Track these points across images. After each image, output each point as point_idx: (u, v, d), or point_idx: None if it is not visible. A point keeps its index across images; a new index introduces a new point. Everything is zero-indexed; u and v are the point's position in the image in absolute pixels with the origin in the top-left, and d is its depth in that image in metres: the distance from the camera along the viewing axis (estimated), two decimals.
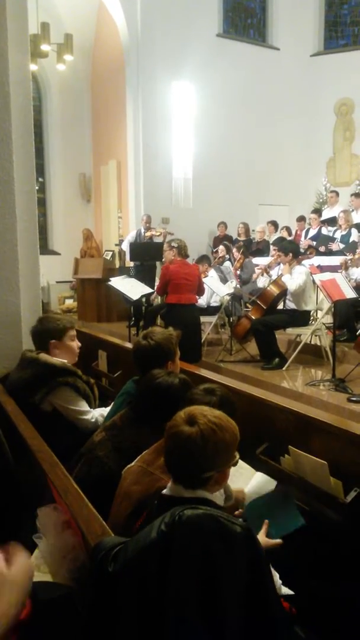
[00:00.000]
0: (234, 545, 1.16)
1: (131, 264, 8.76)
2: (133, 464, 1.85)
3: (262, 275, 7.11)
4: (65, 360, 2.74)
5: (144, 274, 7.94)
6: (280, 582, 1.63)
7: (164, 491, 1.44)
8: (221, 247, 8.84)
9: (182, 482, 1.39)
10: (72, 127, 12.61)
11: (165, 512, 1.25)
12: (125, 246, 9.32)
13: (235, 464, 1.50)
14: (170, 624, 1.09)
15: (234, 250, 8.11)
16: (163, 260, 6.49)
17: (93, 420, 2.64)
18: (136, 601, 1.16)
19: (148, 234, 9.12)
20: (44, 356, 2.69)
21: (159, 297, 6.64)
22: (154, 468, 1.77)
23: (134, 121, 10.89)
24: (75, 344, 2.87)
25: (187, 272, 5.65)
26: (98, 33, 11.90)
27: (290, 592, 1.55)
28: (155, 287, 6.31)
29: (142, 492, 1.70)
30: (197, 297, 5.92)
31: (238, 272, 7.79)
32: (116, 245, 10.35)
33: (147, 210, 10.40)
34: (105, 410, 2.69)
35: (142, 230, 9.22)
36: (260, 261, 7.74)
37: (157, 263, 8.50)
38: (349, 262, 6.63)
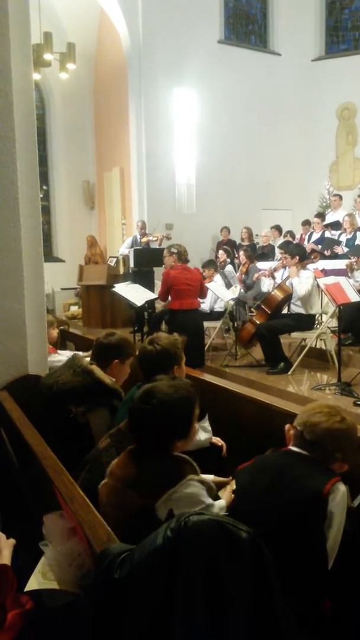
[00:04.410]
0: (239, 551, 1.16)
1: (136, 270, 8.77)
2: (106, 479, 1.80)
3: (268, 278, 7.10)
4: (114, 379, 2.69)
5: (142, 280, 7.95)
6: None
7: (292, 447, 1.75)
8: (221, 252, 8.84)
9: (314, 452, 1.69)
10: (75, 134, 12.69)
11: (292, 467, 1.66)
12: (122, 251, 9.36)
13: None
14: (176, 629, 1.09)
15: (241, 253, 8.12)
16: (164, 265, 6.50)
17: None
18: (143, 607, 1.16)
19: (144, 239, 9.14)
20: (98, 370, 2.62)
21: (162, 302, 6.64)
22: (125, 485, 1.68)
23: (137, 128, 10.95)
24: (128, 370, 2.80)
25: (188, 277, 5.64)
26: (100, 41, 11.99)
27: None
28: (158, 294, 6.32)
29: (115, 517, 1.60)
30: (199, 300, 5.91)
31: (242, 276, 7.79)
32: (118, 251, 10.39)
33: (150, 216, 10.44)
34: None
35: (138, 237, 9.24)
36: (265, 265, 7.74)
37: (154, 268, 8.52)
38: (355, 264, 6.62)
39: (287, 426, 1.83)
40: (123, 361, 2.73)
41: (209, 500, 1.71)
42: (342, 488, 1.64)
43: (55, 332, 4.09)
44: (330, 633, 1.59)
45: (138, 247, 8.96)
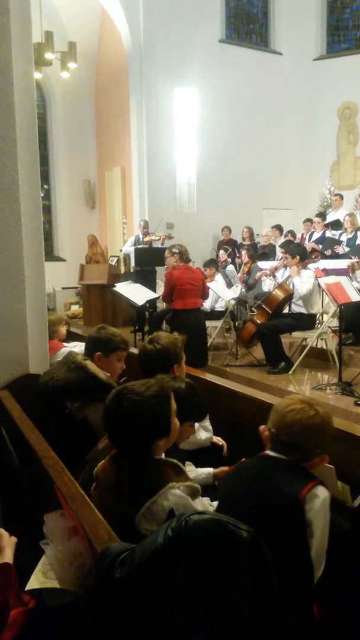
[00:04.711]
0: (240, 550, 1.15)
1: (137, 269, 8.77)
2: (94, 482, 1.75)
3: (269, 277, 7.10)
4: (109, 374, 2.66)
5: (144, 279, 7.95)
6: None
7: (269, 452, 1.69)
8: (221, 252, 8.84)
9: (293, 453, 1.64)
10: (76, 134, 12.69)
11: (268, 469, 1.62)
12: (125, 250, 9.36)
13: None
14: (177, 628, 1.09)
15: (244, 253, 8.11)
16: (165, 266, 6.51)
17: None
18: (143, 606, 1.16)
19: (147, 238, 9.14)
20: (92, 365, 2.60)
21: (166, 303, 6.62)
22: (106, 490, 1.63)
23: (138, 127, 10.95)
24: (120, 365, 2.77)
25: (191, 277, 5.66)
26: (101, 41, 11.99)
27: None
28: (161, 294, 6.31)
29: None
30: (202, 300, 5.92)
31: (244, 276, 7.78)
32: (120, 250, 10.39)
33: (151, 215, 10.44)
34: None
35: (141, 236, 9.24)
36: (266, 265, 7.74)
37: (157, 267, 8.52)
38: (356, 264, 6.62)
39: (261, 428, 1.76)
40: (107, 354, 2.70)
41: (194, 508, 1.60)
42: (321, 494, 1.57)
43: (64, 329, 4.05)
44: (324, 635, 1.58)
45: (140, 246, 8.96)
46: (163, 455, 1.74)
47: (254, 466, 1.72)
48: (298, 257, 5.98)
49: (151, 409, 1.64)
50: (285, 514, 1.52)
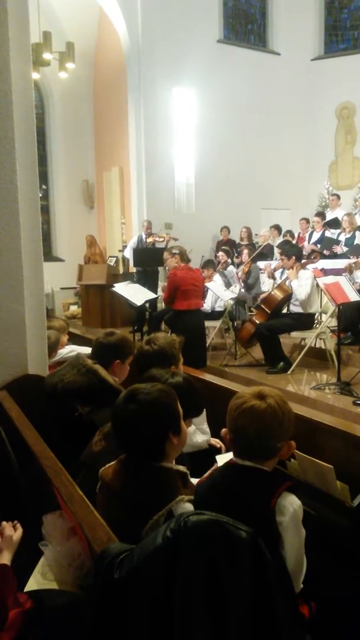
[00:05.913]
0: (239, 551, 1.15)
1: (134, 269, 8.78)
2: (99, 482, 1.71)
3: (269, 278, 7.11)
4: (117, 379, 2.66)
5: (147, 280, 7.95)
6: None
7: (234, 459, 1.58)
8: (221, 253, 8.85)
9: (255, 456, 1.53)
10: (74, 134, 12.69)
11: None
12: (128, 253, 9.34)
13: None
14: (177, 629, 1.09)
15: (246, 252, 8.10)
16: (166, 267, 6.49)
17: None
18: (142, 607, 1.16)
19: (150, 239, 9.11)
20: (102, 370, 2.59)
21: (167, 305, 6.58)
22: (112, 495, 1.60)
23: (136, 127, 10.95)
24: (127, 368, 2.78)
25: (194, 277, 5.67)
26: (99, 41, 11.99)
27: None
28: (163, 295, 6.28)
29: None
30: (202, 301, 5.94)
31: (244, 276, 7.78)
32: (120, 251, 10.38)
33: (149, 215, 10.43)
34: None
35: (144, 236, 9.23)
36: (264, 265, 7.74)
37: (160, 268, 8.51)
38: (353, 265, 6.63)
39: (223, 431, 1.66)
40: (124, 361, 2.70)
41: None
42: (290, 506, 1.49)
43: (65, 338, 3.99)
44: (325, 635, 1.58)
45: (137, 247, 8.95)
46: (174, 461, 1.70)
47: (223, 476, 1.63)
48: (294, 257, 5.98)
49: (161, 402, 1.63)
50: (257, 529, 1.36)
